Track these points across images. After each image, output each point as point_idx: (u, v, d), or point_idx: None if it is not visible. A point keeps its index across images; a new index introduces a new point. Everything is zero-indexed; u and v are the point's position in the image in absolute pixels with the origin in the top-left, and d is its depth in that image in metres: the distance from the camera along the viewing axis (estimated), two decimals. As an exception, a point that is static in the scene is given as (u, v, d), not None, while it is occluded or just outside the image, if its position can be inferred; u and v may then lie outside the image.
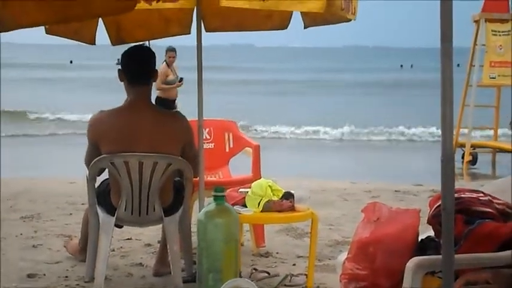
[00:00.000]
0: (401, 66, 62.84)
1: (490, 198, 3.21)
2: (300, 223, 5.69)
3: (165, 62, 11.70)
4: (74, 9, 3.07)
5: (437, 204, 3.06)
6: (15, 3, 3.06)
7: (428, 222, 3.17)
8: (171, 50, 11.70)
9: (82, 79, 38.49)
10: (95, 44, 5.02)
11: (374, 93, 30.03)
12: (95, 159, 4.24)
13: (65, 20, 3.42)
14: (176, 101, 11.85)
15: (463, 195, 3.15)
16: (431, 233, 3.21)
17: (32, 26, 3.27)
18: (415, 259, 2.82)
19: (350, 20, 4.37)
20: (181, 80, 11.68)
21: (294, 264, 5.02)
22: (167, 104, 11.46)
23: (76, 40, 4.90)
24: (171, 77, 11.69)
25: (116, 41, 5.07)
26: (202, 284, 3.59)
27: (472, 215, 3.08)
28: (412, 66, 62.38)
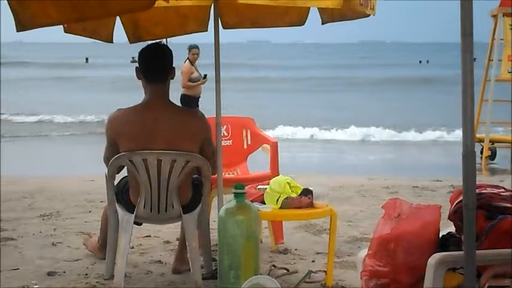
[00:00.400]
0: (420, 62, 61.64)
1: (511, 193, 3.18)
2: (319, 219, 5.68)
3: (188, 60, 11.74)
4: (92, 7, 3.08)
5: (458, 199, 3.04)
6: (34, 2, 3.07)
7: (449, 218, 3.15)
8: (194, 47, 11.74)
9: (98, 78, 38.46)
10: (112, 42, 5.03)
11: (389, 90, 29.58)
12: (114, 157, 4.25)
13: (83, 18, 3.43)
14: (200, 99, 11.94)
15: (484, 191, 3.13)
16: (452, 229, 3.19)
17: (51, 25, 3.28)
18: (437, 255, 2.80)
19: (369, 16, 4.33)
20: (205, 76, 11.73)
21: (313, 261, 5.01)
22: (192, 101, 11.65)
23: (94, 38, 4.90)
24: (195, 75, 11.75)
25: (133, 39, 5.08)
26: (224, 281, 3.59)
27: (493, 210, 3.05)
28: (428, 61, 61.52)
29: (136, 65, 4.45)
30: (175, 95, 4.43)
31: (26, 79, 34.96)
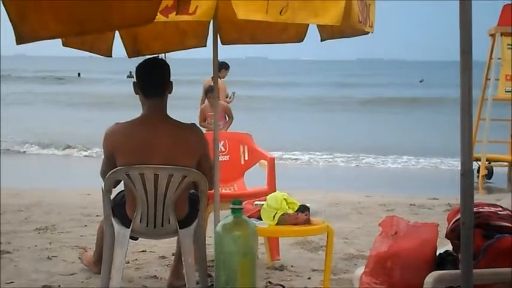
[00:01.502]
0: (421, 81, 59.15)
1: (508, 212, 3.18)
2: (315, 236, 5.67)
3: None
4: (92, 21, 3.07)
5: (456, 218, 3.03)
6: (34, 15, 3.07)
7: (447, 237, 3.14)
8: (228, 67, 12.08)
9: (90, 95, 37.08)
10: (111, 56, 5.04)
11: (385, 112, 28.38)
12: (111, 171, 4.24)
13: (83, 32, 3.43)
14: None
15: (481, 210, 3.12)
16: (450, 248, 3.18)
17: (50, 38, 3.27)
18: (434, 274, 2.79)
19: (368, 33, 4.35)
20: (234, 93, 12.04)
21: (309, 278, 5.00)
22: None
23: (92, 52, 4.91)
24: (227, 91, 11.99)
25: (132, 53, 5.09)
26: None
27: (490, 229, 3.05)
28: (421, 81, 59.47)
29: (134, 80, 4.45)
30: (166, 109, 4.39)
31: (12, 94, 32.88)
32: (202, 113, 11.30)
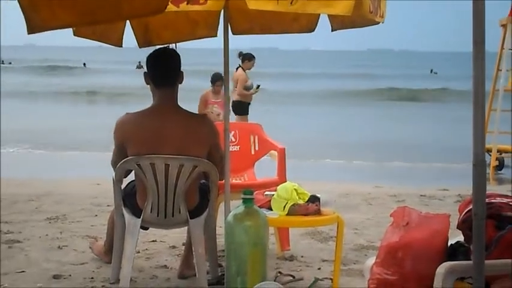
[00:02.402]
0: (431, 71, 58.42)
1: (520, 203, 3.16)
2: (325, 227, 5.67)
3: (240, 68, 12.08)
4: (103, 11, 3.08)
5: (468, 209, 3.02)
6: (45, 5, 3.07)
7: (458, 227, 3.13)
8: (253, 58, 12.18)
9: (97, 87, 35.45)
10: (121, 46, 5.03)
11: (397, 106, 27.70)
12: (122, 161, 4.25)
13: (94, 22, 3.43)
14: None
15: (493, 200, 3.11)
16: (461, 238, 3.17)
17: (60, 28, 3.27)
18: (446, 264, 2.79)
19: (378, 23, 4.34)
20: (258, 87, 12.16)
21: (319, 268, 4.99)
22: (244, 107, 12.14)
23: (103, 42, 4.90)
24: (249, 83, 12.13)
25: (143, 43, 5.09)
26: (230, 286, 3.58)
27: (502, 220, 3.04)
28: (432, 71, 58.44)
29: (143, 70, 4.45)
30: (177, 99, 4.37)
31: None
32: (202, 100, 11.31)
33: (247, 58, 12.16)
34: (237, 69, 12.15)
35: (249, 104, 12.32)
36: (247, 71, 12.19)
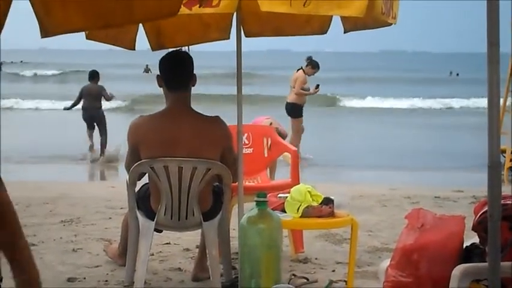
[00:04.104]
0: (451, 73, 53.34)
1: (536, 205, 3.14)
2: (339, 229, 5.65)
3: (302, 70, 12.21)
4: (116, 15, 3.08)
5: (483, 210, 3.01)
6: (59, 9, 3.08)
7: (474, 229, 3.11)
8: (318, 66, 12.28)
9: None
10: (134, 49, 5.04)
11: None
12: (135, 164, 4.25)
13: (107, 25, 3.43)
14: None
15: (508, 202, 3.09)
16: (476, 240, 3.16)
17: (74, 32, 3.28)
18: (461, 266, 2.77)
19: (391, 24, 4.33)
20: (317, 86, 12.21)
21: (333, 271, 4.98)
22: (298, 109, 12.28)
23: (116, 45, 4.91)
24: (307, 85, 12.23)
25: (155, 46, 5.09)
26: (244, 289, 3.57)
27: (518, 222, 3.02)
28: (457, 74, 52.46)
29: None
30: (190, 102, 4.35)
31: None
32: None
33: (312, 64, 12.28)
34: (297, 70, 12.30)
35: (302, 106, 12.36)
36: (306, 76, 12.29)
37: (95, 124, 12.90)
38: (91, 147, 12.95)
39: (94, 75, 13.20)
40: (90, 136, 13.00)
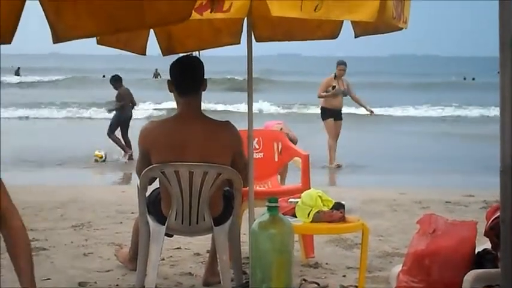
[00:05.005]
0: (465, 78, 51.52)
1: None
2: (350, 234, 5.64)
3: (334, 74, 12.23)
4: (127, 20, 3.09)
5: (495, 216, 2.99)
6: (70, 14, 3.10)
7: (485, 235, 3.10)
8: (341, 64, 12.25)
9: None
10: (145, 55, 5.06)
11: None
12: (146, 169, 4.26)
13: (118, 30, 3.45)
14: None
15: (521, 207, 3.07)
16: (488, 246, 3.14)
17: (85, 37, 3.30)
18: (474, 272, 2.76)
19: (401, 29, 4.32)
20: (333, 87, 12.09)
21: (344, 276, 4.97)
22: (323, 111, 12.37)
23: (127, 50, 4.93)
24: (330, 88, 12.18)
25: (166, 51, 5.10)
26: (255, 294, 3.56)
27: (530, 227, 3.00)
28: (473, 78, 50.71)
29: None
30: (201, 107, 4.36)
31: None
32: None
33: (339, 64, 12.28)
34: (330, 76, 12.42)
35: (336, 110, 12.28)
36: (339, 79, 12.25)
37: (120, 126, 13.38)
38: (125, 147, 13.21)
39: (120, 79, 13.73)
40: (118, 138, 13.35)
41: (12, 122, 21.09)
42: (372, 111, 13.00)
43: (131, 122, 13.53)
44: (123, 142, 13.29)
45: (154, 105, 25.96)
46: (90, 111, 25.28)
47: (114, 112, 13.71)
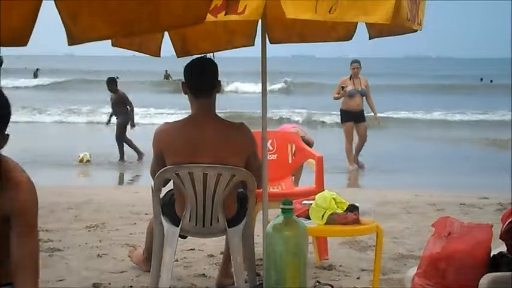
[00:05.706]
0: (481, 79, 49.11)
1: None
2: (364, 236, 5.62)
3: (350, 75, 12.06)
4: (142, 22, 3.09)
5: (510, 219, 2.97)
6: (85, 16, 3.10)
7: (501, 238, 3.08)
8: (354, 62, 12.08)
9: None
10: (159, 56, 5.06)
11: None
12: (160, 170, 4.27)
13: (133, 33, 3.44)
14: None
15: (537, 210, 3.06)
16: (503, 249, 3.12)
17: (100, 39, 3.30)
18: (489, 275, 2.74)
19: (416, 31, 4.30)
20: (343, 88, 11.93)
21: (358, 278, 4.96)
22: (341, 114, 12.16)
23: (141, 52, 4.94)
24: (349, 88, 11.93)
25: (181, 53, 5.11)
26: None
27: (546, 230, 2.98)
28: (491, 80, 48.28)
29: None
30: (215, 109, 4.34)
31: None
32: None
33: (352, 62, 12.13)
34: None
35: (358, 112, 11.98)
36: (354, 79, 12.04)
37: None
38: (139, 150, 13.14)
39: (115, 81, 13.53)
40: (130, 140, 13.34)
41: (19, 125, 20.99)
42: (379, 122, 12.57)
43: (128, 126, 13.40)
44: (135, 145, 13.21)
45: (167, 109, 25.86)
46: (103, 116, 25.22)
47: (115, 118, 13.56)
